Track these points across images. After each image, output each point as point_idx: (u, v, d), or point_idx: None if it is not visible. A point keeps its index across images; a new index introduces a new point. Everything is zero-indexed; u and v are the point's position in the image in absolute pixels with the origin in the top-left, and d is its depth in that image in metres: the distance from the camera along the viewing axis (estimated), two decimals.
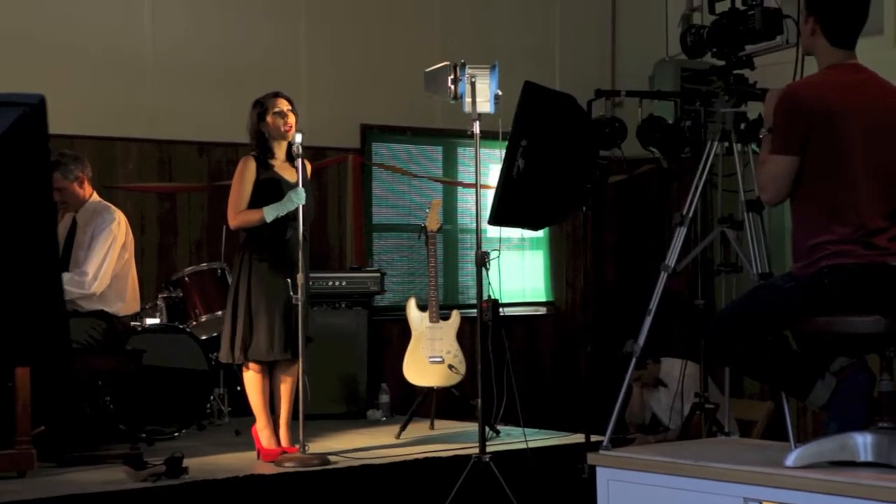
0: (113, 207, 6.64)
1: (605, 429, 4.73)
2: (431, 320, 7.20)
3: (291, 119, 6.13)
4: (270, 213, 6.03)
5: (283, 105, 6.15)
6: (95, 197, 6.67)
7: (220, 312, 6.97)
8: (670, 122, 5.32)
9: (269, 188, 6.09)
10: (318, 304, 6.62)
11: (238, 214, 6.11)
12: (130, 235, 6.64)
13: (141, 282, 6.83)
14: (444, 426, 7.27)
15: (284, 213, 6.04)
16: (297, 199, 6.01)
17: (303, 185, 6.03)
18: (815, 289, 3.90)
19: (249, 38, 8.14)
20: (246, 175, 6.11)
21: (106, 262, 6.41)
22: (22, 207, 2.65)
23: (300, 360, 6.01)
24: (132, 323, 6.83)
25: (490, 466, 5.81)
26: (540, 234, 9.27)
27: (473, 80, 6.15)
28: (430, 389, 7.18)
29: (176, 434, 6.87)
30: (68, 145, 6.97)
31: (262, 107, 6.17)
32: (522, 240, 9.23)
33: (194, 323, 7.14)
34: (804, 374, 4.03)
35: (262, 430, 6.18)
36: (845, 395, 3.95)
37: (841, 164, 3.91)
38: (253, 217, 6.06)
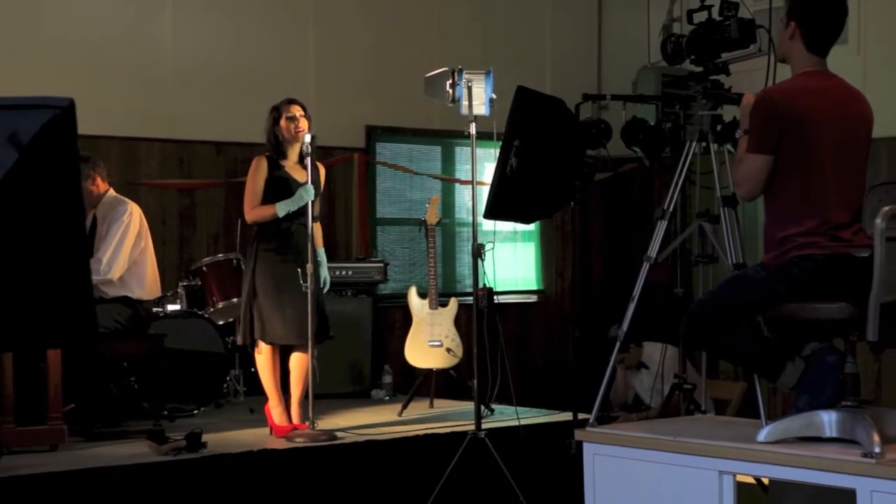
0: (127, 200, 6.62)
1: (592, 407, 4.74)
2: (431, 307, 7.21)
3: (303, 124, 6.13)
4: (283, 208, 6.05)
5: (296, 111, 6.16)
6: (111, 192, 6.64)
7: (235, 299, 6.97)
8: (652, 123, 5.31)
9: (279, 185, 6.11)
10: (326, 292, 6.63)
11: (253, 210, 6.12)
12: (146, 225, 6.61)
13: (162, 271, 6.83)
14: (443, 405, 7.28)
15: (295, 208, 6.05)
16: (307, 195, 6.03)
17: (311, 183, 6.04)
18: (785, 278, 3.90)
19: (263, 45, 8.13)
20: (258, 173, 6.13)
21: (119, 250, 6.39)
22: (52, 202, 2.65)
23: (310, 343, 6.02)
24: (154, 309, 6.83)
25: (485, 442, 5.82)
26: (531, 227, 9.26)
27: (470, 84, 6.15)
28: (429, 371, 7.19)
29: (195, 412, 6.89)
30: (95, 145, 6.98)
31: (277, 112, 6.19)
32: (515, 232, 9.23)
33: (212, 309, 7.14)
34: (775, 358, 4.03)
35: (274, 408, 6.19)
36: (816, 372, 3.95)
37: (810, 164, 3.91)
38: (267, 212, 6.08)
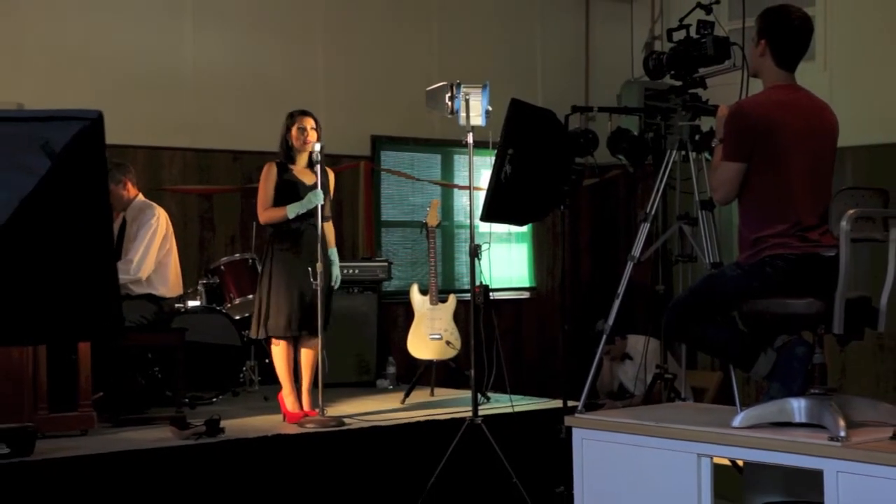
0: (154, 205, 6.62)
1: (580, 395, 4.75)
2: (431, 303, 7.21)
3: (311, 136, 6.12)
4: (293, 210, 6.05)
5: (307, 123, 6.16)
6: (140, 197, 6.65)
7: (251, 296, 6.97)
8: (635, 133, 5.31)
9: (288, 189, 6.10)
10: (335, 291, 6.63)
11: (265, 211, 6.13)
12: (171, 229, 6.61)
13: (184, 270, 6.83)
14: (442, 393, 7.28)
15: (304, 210, 6.05)
16: (316, 199, 6.03)
17: (321, 187, 6.05)
18: (758, 275, 3.90)
19: (276, 61, 8.13)
20: (269, 178, 6.13)
21: (148, 252, 6.40)
22: (82, 207, 2.65)
23: (320, 336, 6.02)
24: (176, 305, 6.83)
25: (481, 427, 5.81)
26: (524, 229, 9.27)
27: (467, 97, 6.14)
28: (430, 362, 7.18)
29: (214, 399, 6.89)
30: (123, 153, 6.97)
31: (291, 119, 6.18)
32: (509, 234, 9.23)
33: (229, 305, 7.15)
34: (749, 350, 4.03)
35: (286, 396, 6.19)
36: (787, 362, 3.96)
37: (781, 170, 3.91)
38: (278, 214, 6.08)
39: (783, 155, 3.90)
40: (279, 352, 6.15)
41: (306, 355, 6.17)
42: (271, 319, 6.06)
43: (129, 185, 6.58)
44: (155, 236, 6.44)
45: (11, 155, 2.55)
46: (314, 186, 6.06)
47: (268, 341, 6.25)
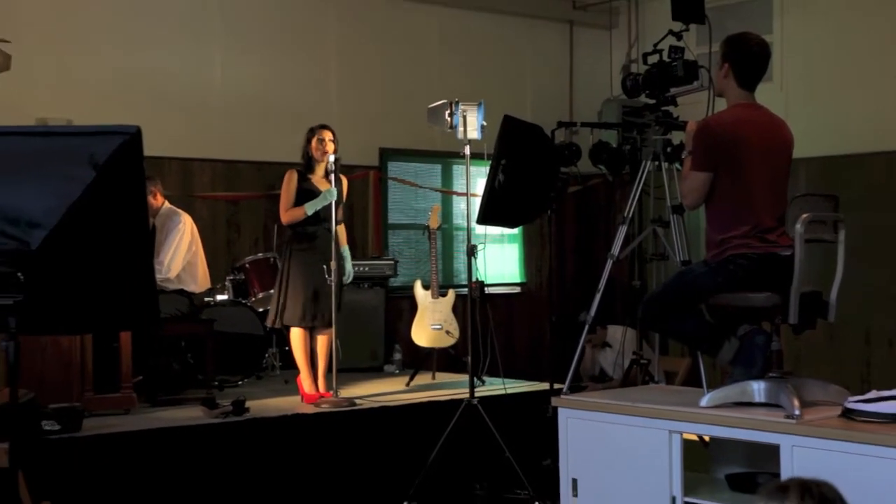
0: (180, 211, 6.62)
1: (565, 379, 4.75)
2: (433, 297, 7.21)
3: (329, 147, 6.13)
4: (310, 207, 6.06)
5: (326, 135, 6.16)
6: (167, 204, 6.64)
7: (272, 290, 6.96)
8: (614, 146, 5.31)
9: (307, 195, 6.11)
10: (346, 285, 6.63)
11: (286, 212, 6.14)
12: (196, 232, 6.60)
13: (212, 268, 6.83)
14: (443, 377, 7.27)
15: (321, 206, 6.05)
16: (330, 196, 6.03)
17: (334, 186, 6.05)
18: (723, 272, 3.90)
19: (295, 81, 8.13)
20: (290, 184, 6.14)
21: (176, 254, 6.41)
22: (123, 212, 2.66)
23: (333, 326, 6.03)
24: (206, 299, 6.84)
25: (477, 407, 5.81)
26: (515, 231, 9.26)
27: (464, 113, 6.14)
28: (431, 349, 7.18)
29: (240, 382, 6.89)
30: (158, 164, 6.98)
31: (311, 133, 6.19)
32: (502, 235, 9.22)
33: (253, 299, 7.15)
34: (715, 338, 4.02)
35: (304, 379, 6.20)
36: (748, 349, 3.96)
37: (743, 179, 3.92)
38: (298, 213, 6.09)
39: (745, 166, 3.91)
40: (297, 340, 6.15)
41: (321, 343, 6.17)
42: (287, 310, 6.07)
43: (158, 195, 6.58)
44: (182, 240, 6.46)
45: (61, 166, 2.56)
46: None
47: (287, 330, 6.26)
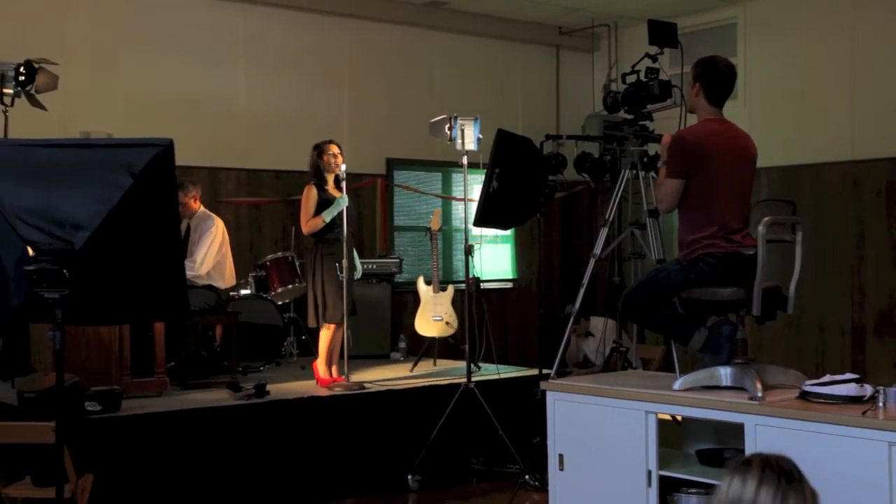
0: (214, 216, 6.63)
1: (553, 365, 4.75)
2: (434, 291, 7.21)
3: (340, 159, 6.13)
4: (327, 215, 6.05)
5: (335, 149, 6.16)
6: (203, 208, 6.66)
7: (290, 286, 6.99)
8: (596, 156, 5.32)
9: (325, 203, 6.10)
10: (357, 281, 6.64)
11: (307, 223, 6.11)
12: (226, 235, 6.62)
13: (237, 265, 6.83)
14: (443, 364, 7.28)
15: (336, 213, 6.03)
16: (343, 202, 6.03)
17: (345, 194, 6.05)
18: (694, 269, 3.90)
19: (310, 97, 8.13)
20: (310, 198, 6.10)
21: (209, 253, 6.43)
22: (157, 216, 2.66)
23: (345, 320, 6.01)
24: (231, 293, 6.84)
25: (474, 391, 5.82)
26: (508, 232, 9.26)
27: (463, 127, 6.15)
28: (433, 339, 7.19)
29: (261, 368, 6.89)
30: (188, 172, 6.97)
31: (320, 149, 6.18)
32: (496, 237, 9.22)
33: (273, 293, 7.14)
34: (686, 328, 4.02)
35: (320, 365, 6.19)
36: (716, 338, 3.96)
37: (711, 186, 3.91)
38: (318, 222, 6.07)
39: (713, 174, 3.91)
40: (328, 334, 6.10)
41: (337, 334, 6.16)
42: (329, 310, 6.02)
43: (197, 199, 6.60)
44: (214, 242, 6.47)
45: (102, 174, 2.56)
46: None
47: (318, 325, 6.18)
